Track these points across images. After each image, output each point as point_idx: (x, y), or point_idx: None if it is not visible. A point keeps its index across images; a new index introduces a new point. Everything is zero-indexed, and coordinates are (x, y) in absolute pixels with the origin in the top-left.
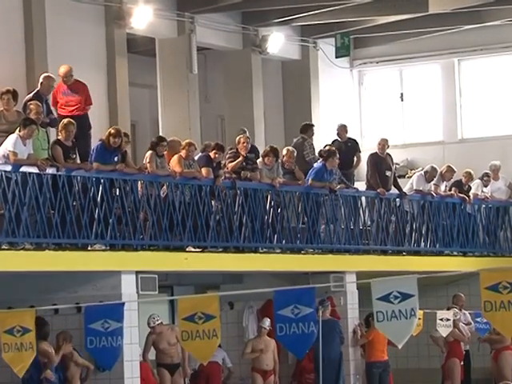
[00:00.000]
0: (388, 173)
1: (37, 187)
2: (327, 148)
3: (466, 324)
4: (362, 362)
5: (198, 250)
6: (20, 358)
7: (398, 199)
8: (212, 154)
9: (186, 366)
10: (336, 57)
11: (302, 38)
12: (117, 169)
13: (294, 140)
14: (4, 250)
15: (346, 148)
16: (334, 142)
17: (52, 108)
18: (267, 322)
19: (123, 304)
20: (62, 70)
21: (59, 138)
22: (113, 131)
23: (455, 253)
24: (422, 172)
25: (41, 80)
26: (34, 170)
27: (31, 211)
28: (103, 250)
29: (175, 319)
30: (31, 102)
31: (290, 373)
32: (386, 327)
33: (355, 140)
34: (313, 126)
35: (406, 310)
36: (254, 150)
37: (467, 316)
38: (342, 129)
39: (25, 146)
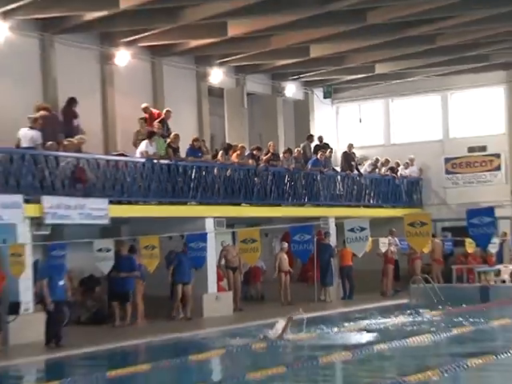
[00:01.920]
0: (353, 162)
1: (159, 171)
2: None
3: (395, 245)
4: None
5: (247, 204)
6: (151, 262)
7: (357, 177)
8: (255, 152)
9: (241, 268)
10: (324, 98)
11: (305, 87)
12: (202, 160)
13: (301, 144)
14: (140, 204)
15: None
16: (303, 145)
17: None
18: (285, 245)
19: (206, 234)
20: (143, 106)
21: (170, 143)
22: (194, 138)
23: (389, 206)
24: (371, 161)
25: (164, 111)
26: (157, 161)
27: (156, 184)
28: (196, 205)
29: (235, 242)
30: (155, 123)
31: (297, 272)
32: (352, 246)
33: (321, 144)
34: (313, 135)
35: (363, 237)
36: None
37: (396, 240)
38: (310, 137)
39: (152, 146)
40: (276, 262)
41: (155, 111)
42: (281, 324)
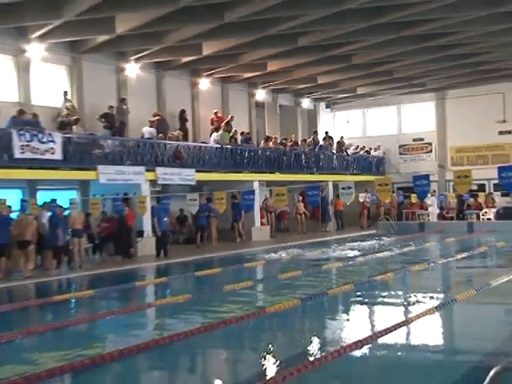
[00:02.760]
0: (343, 147)
1: (225, 152)
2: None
3: (369, 198)
4: (333, 210)
5: (279, 173)
6: (221, 207)
7: (346, 156)
8: (283, 141)
9: (275, 211)
10: (326, 108)
11: (314, 101)
12: (251, 145)
13: (312, 136)
14: (214, 172)
15: (317, 138)
16: (312, 137)
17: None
18: (301, 198)
19: (254, 190)
20: (214, 111)
21: (233, 135)
22: (246, 132)
23: (365, 174)
24: (354, 146)
25: (229, 117)
26: (224, 146)
27: (223, 160)
28: (248, 173)
29: (272, 195)
30: (223, 124)
31: (309, 213)
32: (343, 197)
33: (327, 136)
34: (317, 131)
35: (350, 192)
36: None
37: (369, 195)
38: (315, 132)
39: (219, 135)
40: (295, 208)
41: (220, 115)
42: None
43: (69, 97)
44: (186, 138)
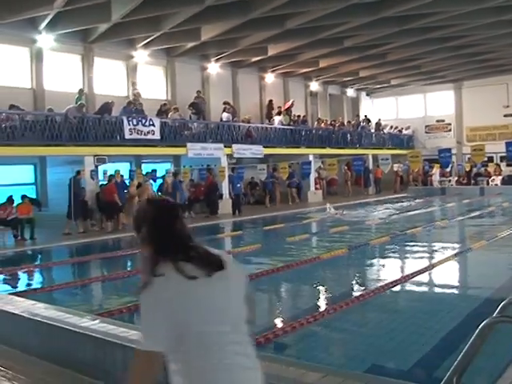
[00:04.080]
0: (380, 127)
1: (287, 131)
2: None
3: (401, 167)
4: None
5: (329, 148)
6: (284, 174)
7: (383, 134)
8: (332, 122)
9: (326, 178)
10: (366, 95)
11: (357, 91)
12: (307, 126)
13: (355, 119)
14: (277, 147)
15: (358, 120)
16: (355, 119)
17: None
18: (346, 167)
19: (310, 162)
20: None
21: (292, 118)
22: (303, 115)
23: (398, 148)
24: (389, 126)
25: (290, 103)
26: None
27: (285, 138)
28: (304, 148)
29: (324, 165)
30: (285, 109)
31: (353, 180)
32: (382, 167)
33: (366, 119)
34: (359, 115)
35: (387, 163)
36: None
37: (401, 165)
38: (357, 116)
39: (281, 118)
40: (344, 175)
41: (285, 104)
42: (332, 209)
43: (136, 86)
44: (270, 120)
